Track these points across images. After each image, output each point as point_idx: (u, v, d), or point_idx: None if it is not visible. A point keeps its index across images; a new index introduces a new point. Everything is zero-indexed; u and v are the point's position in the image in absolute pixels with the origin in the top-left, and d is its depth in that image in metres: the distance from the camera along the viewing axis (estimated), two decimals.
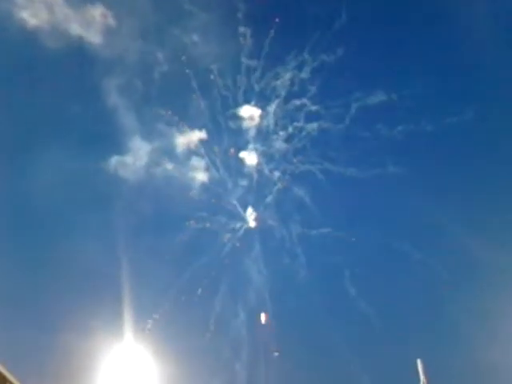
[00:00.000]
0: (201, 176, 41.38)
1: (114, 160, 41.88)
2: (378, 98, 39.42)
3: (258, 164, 40.83)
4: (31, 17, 38.47)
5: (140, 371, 31.70)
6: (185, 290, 37.05)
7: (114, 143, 42.87)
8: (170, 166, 41.96)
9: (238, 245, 39.31)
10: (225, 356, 35.43)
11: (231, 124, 41.19)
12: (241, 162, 41.20)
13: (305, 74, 40.32)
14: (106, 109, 41.58)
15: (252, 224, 40.00)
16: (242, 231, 40.14)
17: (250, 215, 40.31)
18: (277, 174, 40.45)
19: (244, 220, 40.38)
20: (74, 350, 31.70)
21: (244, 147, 41.34)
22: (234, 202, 40.52)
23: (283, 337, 36.14)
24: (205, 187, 41.18)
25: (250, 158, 41.13)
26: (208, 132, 41.56)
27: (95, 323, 33.25)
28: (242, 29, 40.33)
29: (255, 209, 40.32)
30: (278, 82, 40.67)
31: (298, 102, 40.40)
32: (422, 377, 29.46)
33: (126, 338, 32.56)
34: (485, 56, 40.08)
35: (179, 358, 33.34)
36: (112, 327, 33.01)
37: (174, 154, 42.15)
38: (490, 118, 39.41)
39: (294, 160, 40.38)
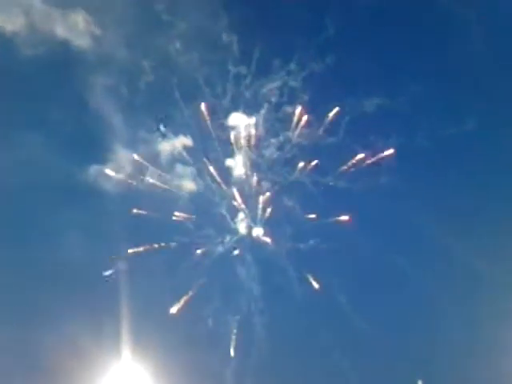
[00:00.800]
0: (187, 185, 40.80)
1: (94, 169, 40.50)
2: (371, 105, 38.70)
3: (246, 173, 40.63)
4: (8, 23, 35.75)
5: None
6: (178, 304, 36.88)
7: (94, 151, 41.24)
8: (153, 174, 40.93)
9: (228, 255, 39.42)
10: (221, 371, 35.35)
11: (219, 132, 40.60)
12: (228, 171, 40.89)
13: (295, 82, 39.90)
14: (86, 116, 39.82)
15: (242, 234, 40.14)
16: (230, 243, 40.21)
17: (240, 225, 40.43)
18: (266, 183, 40.38)
19: (233, 231, 40.45)
20: (71, 369, 31.99)
21: (231, 155, 40.94)
22: (223, 212, 40.42)
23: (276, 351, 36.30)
24: (191, 197, 40.68)
25: (237, 167, 40.85)
26: (194, 139, 40.85)
27: (92, 342, 33.08)
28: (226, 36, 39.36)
29: (244, 220, 40.37)
30: (267, 90, 40.22)
31: (288, 110, 40.02)
32: None
33: (123, 357, 33.11)
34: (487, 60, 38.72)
35: (177, 375, 33.61)
36: (110, 346, 33.12)
37: (158, 162, 41.17)
38: (490, 128, 38.37)
39: (284, 170, 40.38)
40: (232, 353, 36.25)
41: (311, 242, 38.71)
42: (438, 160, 39.42)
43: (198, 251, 38.80)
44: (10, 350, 33.12)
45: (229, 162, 40.79)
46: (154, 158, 41.38)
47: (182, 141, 41.07)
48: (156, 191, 40.94)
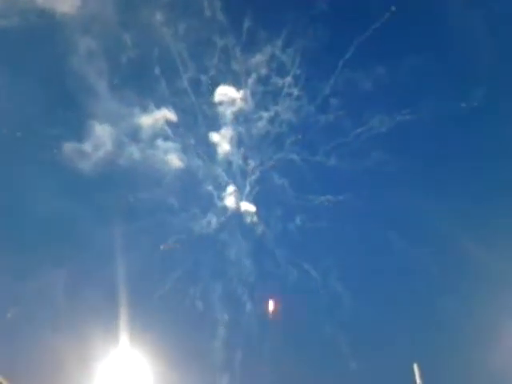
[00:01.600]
0: (171, 161, 39.20)
1: (69, 147, 38.03)
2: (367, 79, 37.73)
3: (233, 149, 39.56)
4: None
5: (136, 376, 31.45)
6: (175, 289, 35.88)
7: (69, 128, 38.54)
8: (134, 150, 38.96)
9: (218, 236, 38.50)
10: (222, 356, 34.97)
11: (204, 106, 39.00)
12: (214, 146, 39.59)
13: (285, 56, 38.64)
14: (60, 91, 36.90)
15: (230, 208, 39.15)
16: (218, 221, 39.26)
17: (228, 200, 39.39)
18: (253, 161, 39.48)
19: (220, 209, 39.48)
20: (67, 355, 30.82)
21: (217, 130, 39.58)
22: (210, 189, 39.27)
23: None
24: (176, 174, 39.18)
25: (223, 142, 39.61)
26: (178, 114, 39.06)
27: (90, 327, 32.23)
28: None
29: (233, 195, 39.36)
30: (256, 62, 38.84)
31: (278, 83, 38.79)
32: (417, 380, 28.83)
33: (121, 343, 31.71)
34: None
35: (176, 361, 32.94)
36: (107, 331, 32.15)
37: (139, 137, 39.16)
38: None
39: (273, 147, 39.51)
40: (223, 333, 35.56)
41: (299, 220, 38.10)
42: (437, 137, 38.26)
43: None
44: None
45: (215, 137, 39.47)
46: (134, 133, 39.33)
47: (165, 114, 39.15)
48: (138, 168, 39.13)
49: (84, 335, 31.68)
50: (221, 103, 39.02)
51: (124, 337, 31.79)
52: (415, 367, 28.91)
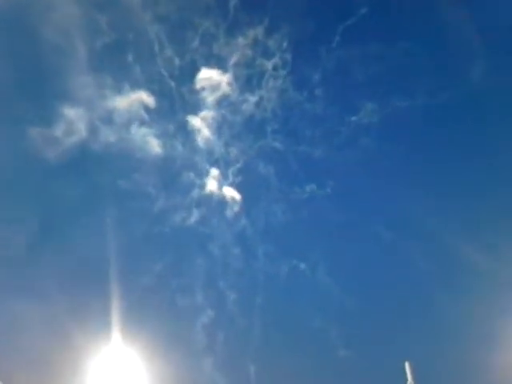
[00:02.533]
0: (149, 147, 37.51)
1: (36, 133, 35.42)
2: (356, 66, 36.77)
3: (213, 135, 38.45)
4: None
5: (129, 373, 30.63)
6: (160, 283, 34.71)
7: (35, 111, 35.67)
8: (108, 135, 36.86)
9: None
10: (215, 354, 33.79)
11: (184, 89, 37.43)
12: (195, 132, 38.26)
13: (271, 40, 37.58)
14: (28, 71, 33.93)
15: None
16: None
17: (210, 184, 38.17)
18: (235, 149, 38.55)
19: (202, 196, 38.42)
20: (59, 353, 30.05)
21: (197, 114, 38.21)
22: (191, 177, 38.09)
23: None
24: (154, 160, 37.62)
25: (204, 128, 38.38)
26: (156, 97, 37.26)
27: (82, 323, 31.35)
28: None
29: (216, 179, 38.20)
30: (240, 46, 37.58)
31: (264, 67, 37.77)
32: (409, 378, 28.35)
33: (113, 339, 30.93)
34: None
35: (169, 358, 32.07)
36: (99, 328, 31.26)
37: (115, 122, 37.03)
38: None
39: (256, 134, 38.69)
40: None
41: (284, 211, 37.24)
42: (428, 128, 37.11)
43: None
44: None
45: (195, 121, 38.22)
46: (109, 118, 37.14)
47: (142, 97, 37.26)
48: (114, 155, 37.19)
49: (75, 332, 30.59)
50: (202, 87, 37.66)
51: (116, 333, 30.89)
52: (407, 365, 28.54)
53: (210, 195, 37.38)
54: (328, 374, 31.69)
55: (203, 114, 38.01)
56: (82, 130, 36.30)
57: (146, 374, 30.78)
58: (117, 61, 36.49)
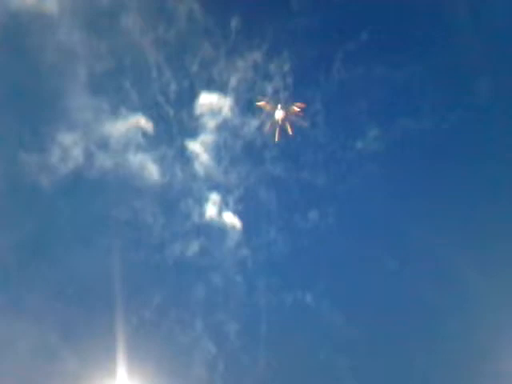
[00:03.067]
0: (146, 174, 36.94)
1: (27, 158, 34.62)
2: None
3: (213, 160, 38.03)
4: None
5: None
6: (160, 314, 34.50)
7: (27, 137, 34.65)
8: (104, 160, 36.18)
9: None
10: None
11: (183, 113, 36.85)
12: (193, 157, 37.77)
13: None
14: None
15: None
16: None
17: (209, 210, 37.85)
18: (233, 175, 38.13)
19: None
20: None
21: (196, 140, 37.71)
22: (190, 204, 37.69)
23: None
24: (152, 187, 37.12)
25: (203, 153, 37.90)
26: (154, 122, 36.61)
27: (87, 356, 31.53)
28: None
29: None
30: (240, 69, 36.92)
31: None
32: None
33: (119, 375, 31.41)
34: None
35: None
36: (104, 363, 31.40)
37: (110, 147, 36.29)
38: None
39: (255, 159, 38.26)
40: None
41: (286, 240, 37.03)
42: (433, 149, 36.15)
43: None
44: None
45: (194, 146, 37.77)
46: (105, 143, 36.38)
47: (139, 122, 36.54)
48: (110, 182, 36.62)
49: (81, 367, 30.93)
50: (202, 112, 37.10)
51: (121, 368, 31.28)
52: None
53: (210, 222, 37.19)
54: None
55: (202, 137, 37.57)
56: (77, 155, 35.37)
57: None
58: (115, 85, 35.39)
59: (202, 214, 36.94)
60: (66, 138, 34.97)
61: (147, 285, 34.99)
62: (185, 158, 37.43)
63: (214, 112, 37.14)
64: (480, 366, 31.19)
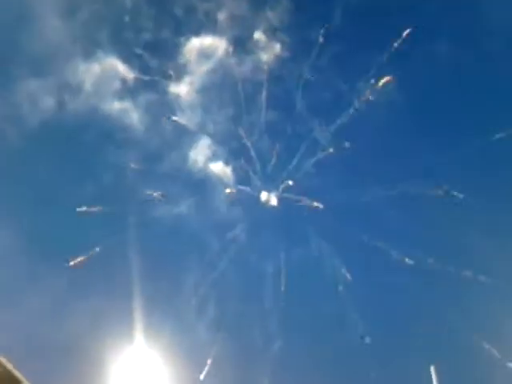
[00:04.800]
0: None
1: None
2: None
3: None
4: None
5: (151, 375, 29.32)
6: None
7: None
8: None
9: None
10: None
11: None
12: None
13: None
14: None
15: None
16: None
17: None
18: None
19: None
20: (82, 352, 29.12)
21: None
22: None
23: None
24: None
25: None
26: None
27: (104, 325, 30.61)
28: None
29: None
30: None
31: None
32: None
33: (136, 341, 29.46)
34: None
35: (191, 360, 31.79)
36: (122, 329, 29.96)
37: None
38: None
39: None
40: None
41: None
42: None
43: None
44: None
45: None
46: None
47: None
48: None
49: (98, 334, 29.77)
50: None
51: (139, 335, 29.20)
52: (432, 370, 24.89)
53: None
54: None
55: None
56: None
57: (167, 376, 29.19)
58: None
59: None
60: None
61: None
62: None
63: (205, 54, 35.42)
64: None
